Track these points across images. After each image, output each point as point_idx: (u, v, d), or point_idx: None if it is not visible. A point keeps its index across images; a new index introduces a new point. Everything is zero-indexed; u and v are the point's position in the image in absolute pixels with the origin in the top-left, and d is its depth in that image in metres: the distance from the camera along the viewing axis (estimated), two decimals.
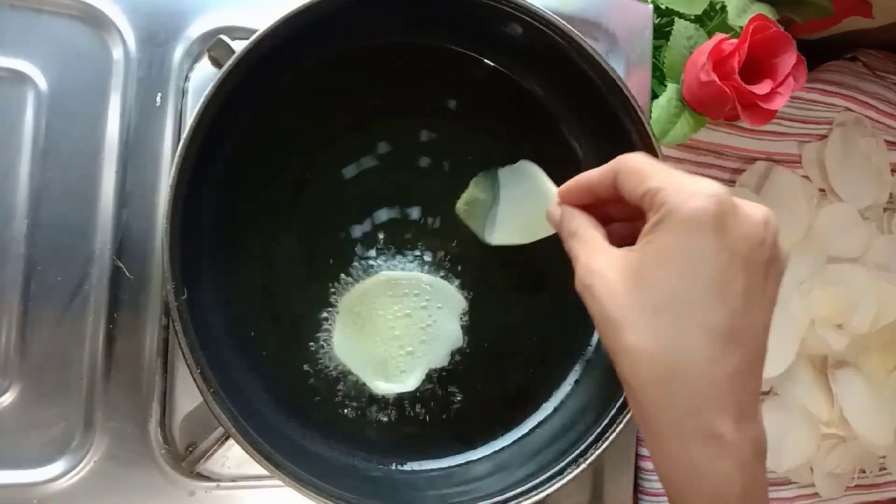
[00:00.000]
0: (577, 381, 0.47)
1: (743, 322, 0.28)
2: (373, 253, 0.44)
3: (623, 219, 0.35)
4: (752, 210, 0.29)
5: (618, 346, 0.29)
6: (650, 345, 0.28)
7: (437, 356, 0.44)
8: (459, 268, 0.45)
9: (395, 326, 0.44)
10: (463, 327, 0.45)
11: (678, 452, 0.28)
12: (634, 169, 0.31)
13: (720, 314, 0.28)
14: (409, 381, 0.43)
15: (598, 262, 0.31)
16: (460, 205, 0.44)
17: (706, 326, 0.28)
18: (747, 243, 0.28)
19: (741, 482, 0.27)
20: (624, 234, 0.33)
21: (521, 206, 0.42)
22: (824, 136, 0.62)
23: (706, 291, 0.28)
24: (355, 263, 0.44)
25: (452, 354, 0.45)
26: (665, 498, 0.53)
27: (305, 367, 0.42)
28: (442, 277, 0.45)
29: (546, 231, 0.38)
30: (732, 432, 0.27)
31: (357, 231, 0.44)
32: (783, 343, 0.56)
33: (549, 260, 0.46)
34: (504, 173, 0.43)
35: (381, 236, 0.44)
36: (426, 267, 0.45)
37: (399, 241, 0.44)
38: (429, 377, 0.44)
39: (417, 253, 0.45)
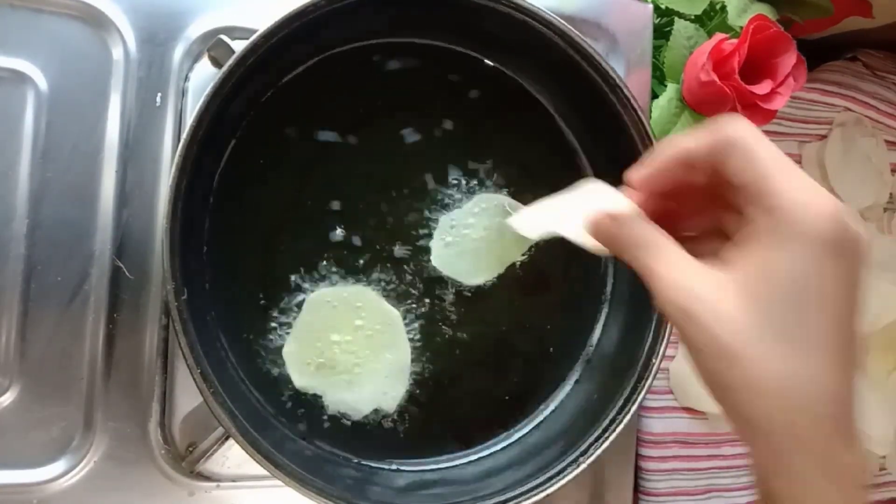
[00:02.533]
0: (577, 381, 0.47)
1: (856, 346, 0.26)
2: (373, 253, 0.44)
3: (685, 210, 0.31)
4: (860, 230, 0.26)
5: (735, 380, 0.26)
6: (776, 378, 0.25)
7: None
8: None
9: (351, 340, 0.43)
10: (464, 327, 0.45)
11: (812, 483, 0.26)
12: (747, 149, 0.26)
13: (842, 342, 0.26)
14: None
15: (690, 279, 0.27)
16: (434, 259, 0.44)
17: (831, 357, 0.25)
18: (861, 269, 0.26)
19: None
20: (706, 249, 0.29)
21: (490, 239, 0.44)
22: (824, 136, 0.62)
23: (830, 320, 0.25)
24: (355, 264, 0.43)
25: (453, 354, 0.45)
26: (665, 498, 0.53)
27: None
28: (442, 278, 0.45)
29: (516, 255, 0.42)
30: (856, 458, 0.26)
31: (357, 231, 0.44)
32: None
33: (549, 260, 0.47)
34: (458, 215, 0.45)
35: (381, 236, 0.44)
36: (427, 267, 0.45)
37: (400, 243, 0.44)
38: (429, 378, 0.44)
39: (417, 254, 0.45)
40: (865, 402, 0.59)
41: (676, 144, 0.29)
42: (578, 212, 0.32)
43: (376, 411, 0.43)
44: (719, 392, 0.27)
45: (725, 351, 0.26)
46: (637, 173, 0.30)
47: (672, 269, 0.27)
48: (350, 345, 0.43)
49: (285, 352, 0.42)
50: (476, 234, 0.45)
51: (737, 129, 0.27)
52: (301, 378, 0.42)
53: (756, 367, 0.25)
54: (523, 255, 0.46)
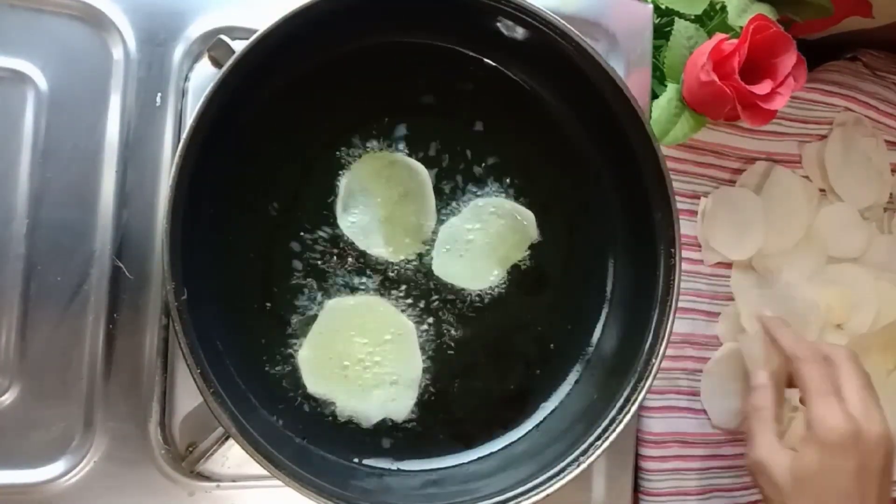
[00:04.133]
0: (577, 381, 0.47)
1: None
2: (374, 255, 0.44)
3: None
4: (876, 428, 0.44)
5: None
6: None
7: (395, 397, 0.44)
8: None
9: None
10: (465, 327, 0.45)
11: None
12: (803, 374, 0.47)
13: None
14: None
15: (775, 455, 0.46)
16: (435, 267, 0.45)
17: None
18: (874, 457, 0.44)
19: None
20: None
21: (492, 244, 0.45)
22: (824, 136, 0.62)
23: (840, 498, 0.43)
24: (355, 265, 0.43)
25: (453, 354, 0.45)
26: (665, 498, 0.53)
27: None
28: (442, 278, 0.45)
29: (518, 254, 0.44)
30: None
31: (359, 234, 0.44)
32: None
33: (549, 260, 0.47)
34: (457, 221, 0.45)
35: (381, 237, 0.44)
36: (426, 268, 0.45)
37: (400, 243, 0.44)
38: (430, 378, 0.44)
39: (418, 254, 0.45)
40: None
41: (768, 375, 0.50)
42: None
43: (385, 419, 0.43)
44: None
45: (780, 494, 0.45)
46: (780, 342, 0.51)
47: (769, 445, 0.46)
48: (363, 354, 0.43)
49: (300, 357, 0.42)
50: (477, 239, 0.45)
51: (803, 368, 0.48)
52: (314, 384, 0.42)
53: None
54: (524, 254, 0.46)
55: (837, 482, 0.43)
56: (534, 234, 0.46)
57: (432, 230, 0.45)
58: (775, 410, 0.48)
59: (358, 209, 0.44)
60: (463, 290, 0.45)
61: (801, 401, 0.47)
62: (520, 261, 0.46)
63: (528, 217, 0.46)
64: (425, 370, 0.44)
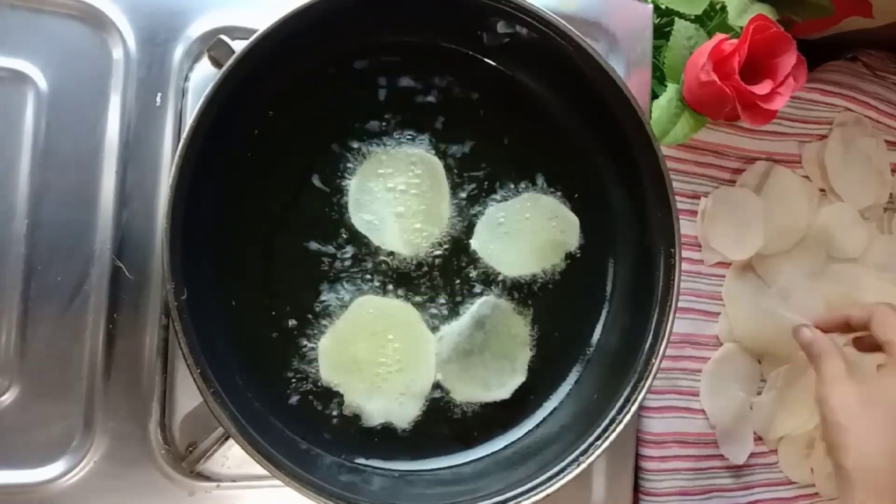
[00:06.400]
0: (577, 381, 0.47)
1: None
2: (373, 257, 0.44)
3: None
4: None
5: (841, 444, 0.44)
6: (863, 447, 0.43)
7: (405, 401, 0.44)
8: (459, 268, 0.45)
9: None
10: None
11: None
12: (886, 322, 0.46)
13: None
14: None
15: (841, 388, 0.45)
16: (475, 243, 0.45)
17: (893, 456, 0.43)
18: None
19: None
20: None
21: (530, 234, 0.46)
22: (824, 136, 0.62)
23: None
24: (355, 266, 0.43)
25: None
26: (665, 498, 0.53)
27: (306, 366, 0.42)
28: (442, 278, 0.45)
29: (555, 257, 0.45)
30: None
31: (357, 235, 0.44)
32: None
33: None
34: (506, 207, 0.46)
35: (397, 233, 0.44)
36: (425, 270, 0.45)
37: (416, 238, 0.44)
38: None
39: (419, 257, 0.45)
40: None
41: (838, 317, 0.50)
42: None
43: (387, 423, 0.43)
44: (831, 450, 0.45)
45: (840, 424, 0.44)
46: (819, 325, 0.51)
47: (832, 374, 0.46)
48: (381, 355, 0.43)
49: (321, 345, 0.42)
50: (520, 229, 0.46)
51: (885, 309, 0.47)
52: (329, 373, 0.42)
53: (852, 438, 0.44)
54: (560, 260, 0.47)
55: None
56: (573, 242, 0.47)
57: (446, 224, 0.45)
58: (838, 350, 0.48)
59: (372, 206, 0.44)
60: (464, 289, 0.45)
61: (880, 340, 0.46)
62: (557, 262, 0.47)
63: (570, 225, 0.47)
64: None
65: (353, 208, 0.44)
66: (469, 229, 0.45)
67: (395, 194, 0.44)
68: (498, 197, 0.46)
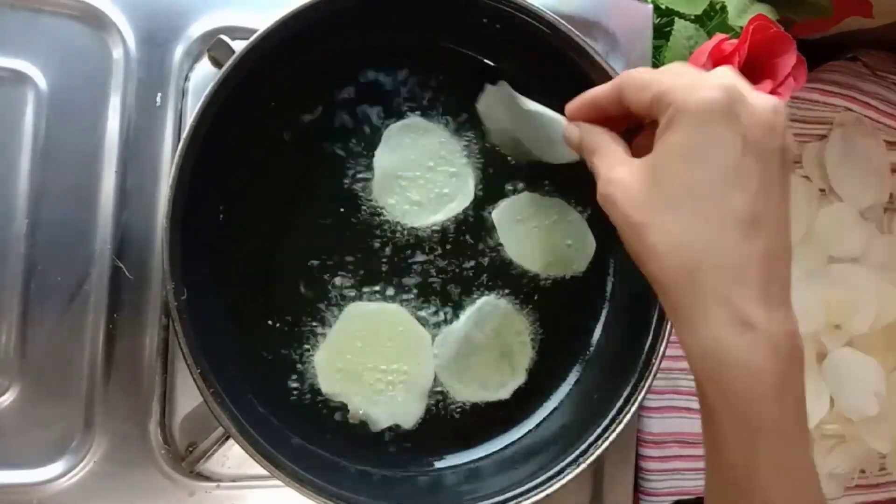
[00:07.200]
0: (577, 381, 0.47)
1: (763, 207, 0.28)
2: (374, 257, 0.44)
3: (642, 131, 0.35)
4: (761, 98, 0.29)
5: (642, 248, 0.29)
6: (673, 239, 0.28)
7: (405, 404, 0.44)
8: (460, 268, 0.45)
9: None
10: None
11: (710, 342, 0.28)
12: (638, 81, 0.31)
13: (739, 200, 0.28)
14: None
15: (617, 172, 0.31)
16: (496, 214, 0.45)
17: (725, 214, 0.28)
18: (759, 129, 0.28)
19: (774, 370, 0.27)
20: (648, 146, 0.31)
21: (537, 132, 0.41)
22: (824, 136, 0.62)
23: (723, 179, 0.28)
24: (357, 266, 0.43)
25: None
26: (665, 498, 0.53)
27: (305, 367, 0.42)
28: (442, 278, 0.45)
29: (567, 155, 0.37)
30: (764, 320, 0.27)
31: (356, 237, 0.44)
32: None
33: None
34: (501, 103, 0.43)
35: (379, 240, 0.44)
36: (426, 272, 0.45)
37: (400, 244, 0.44)
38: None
39: (419, 259, 0.45)
40: None
41: (584, 96, 0.35)
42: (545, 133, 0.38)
43: (394, 425, 0.43)
44: (638, 263, 0.30)
45: (632, 223, 0.30)
46: (569, 111, 0.36)
47: (610, 166, 0.32)
48: (378, 360, 0.43)
49: (316, 359, 0.42)
50: (539, 226, 0.46)
51: (629, 72, 0.32)
52: (329, 385, 0.42)
53: (655, 234, 0.29)
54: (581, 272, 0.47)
55: (718, 158, 0.28)
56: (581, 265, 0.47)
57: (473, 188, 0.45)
58: (612, 136, 0.34)
59: (398, 187, 0.44)
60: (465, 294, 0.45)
61: (647, 100, 0.31)
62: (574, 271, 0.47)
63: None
64: None
65: (379, 191, 0.44)
66: (476, 225, 0.45)
67: (417, 171, 0.45)
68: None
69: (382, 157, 0.44)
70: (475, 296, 0.45)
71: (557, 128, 0.37)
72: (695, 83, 0.29)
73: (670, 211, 0.29)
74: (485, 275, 0.45)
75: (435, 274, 0.45)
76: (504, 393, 0.45)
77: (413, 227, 0.44)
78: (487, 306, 0.45)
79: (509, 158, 0.46)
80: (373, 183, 0.44)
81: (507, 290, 0.46)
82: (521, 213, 0.46)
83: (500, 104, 0.42)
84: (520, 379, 0.45)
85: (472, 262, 0.45)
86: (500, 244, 0.45)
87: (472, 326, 0.45)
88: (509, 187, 0.46)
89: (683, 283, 0.28)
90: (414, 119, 0.45)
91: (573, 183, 0.46)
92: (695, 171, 0.28)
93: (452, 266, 0.45)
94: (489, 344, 0.45)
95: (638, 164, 0.31)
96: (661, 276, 0.29)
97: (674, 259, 0.28)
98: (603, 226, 0.47)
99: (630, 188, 0.30)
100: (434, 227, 0.45)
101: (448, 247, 0.45)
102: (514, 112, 0.40)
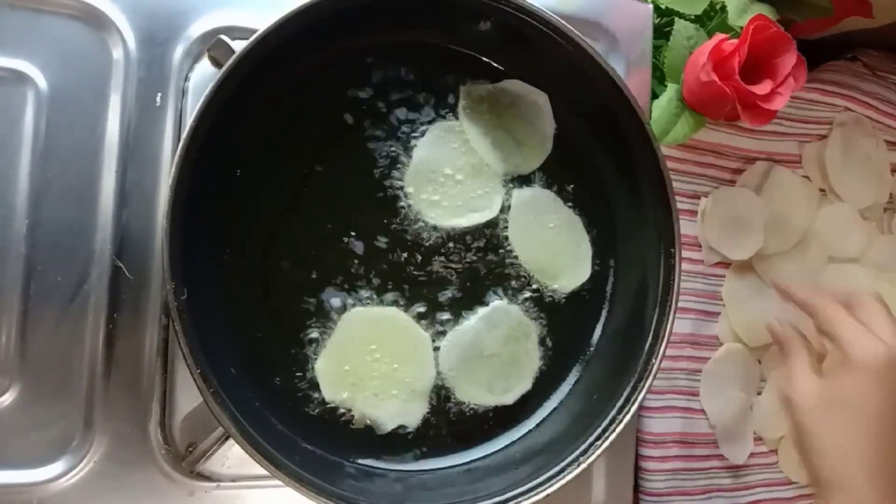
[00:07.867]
0: (577, 381, 0.47)
1: (891, 458, 0.42)
2: (374, 258, 0.44)
3: None
4: None
5: (810, 447, 0.44)
6: (830, 451, 0.43)
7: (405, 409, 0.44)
8: (461, 268, 0.45)
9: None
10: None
11: None
12: (824, 314, 0.46)
13: (872, 451, 0.42)
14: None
15: (802, 384, 0.45)
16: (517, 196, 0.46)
17: (861, 459, 0.42)
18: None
19: None
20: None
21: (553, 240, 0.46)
22: (824, 136, 0.62)
23: (868, 427, 0.42)
24: (356, 266, 0.43)
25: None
26: (665, 498, 0.53)
27: (305, 367, 0.42)
28: (443, 278, 0.45)
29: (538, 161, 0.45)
30: None
31: (358, 233, 0.44)
32: None
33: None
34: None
35: (382, 241, 0.44)
36: (428, 272, 0.45)
37: (400, 246, 0.44)
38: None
39: (418, 260, 0.45)
40: None
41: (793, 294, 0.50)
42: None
43: (399, 426, 0.43)
44: (802, 455, 0.45)
45: (804, 427, 0.44)
46: (782, 289, 0.52)
47: (798, 374, 0.46)
48: (379, 364, 0.43)
49: (317, 367, 0.42)
50: (542, 226, 0.47)
51: (823, 304, 0.47)
52: (331, 392, 0.42)
53: (819, 441, 0.44)
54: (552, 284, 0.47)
55: (872, 405, 0.42)
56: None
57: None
58: (805, 344, 0.48)
59: (432, 183, 0.45)
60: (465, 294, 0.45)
61: (830, 337, 0.46)
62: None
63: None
64: None
65: (412, 186, 0.44)
66: (488, 235, 0.46)
67: (450, 169, 0.45)
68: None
69: (422, 149, 0.45)
70: (480, 301, 0.45)
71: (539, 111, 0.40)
72: (862, 342, 0.44)
73: (832, 432, 0.43)
74: (489, 280, 0.46)
75: (437, 276, 0.45)
76: (508, 399, 0.45)
77: (426, 228, 0.45)
78: (499, 311, 0.45)
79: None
80: (405, 174, 0.44)
81: (510, 293, 0.46)
82: (535, 204, 0.46)
83: (482, 102, 0.42)
84: (526, 385, 0.45)
85: (477, 268, 0.45)
86: (510, 251, 0.46)
87: (483, 329, 0.44)
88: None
89: (829, 477, 0.43)
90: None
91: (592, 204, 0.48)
92: (858, 411, 0.43)
93: (456, 269, 0.45)
94: (499, 349, 0.45)
95: (817, 388, 0.44)
96: (815, 471, 0.44)
97: (828, 460, 0.43)
98: (605, 231, 0.48)
99: (809, 399, 0.44)
100: (448, 232, 0.45)
101: (457, 251, 0.45)
102: (495, 109, 0.41)
